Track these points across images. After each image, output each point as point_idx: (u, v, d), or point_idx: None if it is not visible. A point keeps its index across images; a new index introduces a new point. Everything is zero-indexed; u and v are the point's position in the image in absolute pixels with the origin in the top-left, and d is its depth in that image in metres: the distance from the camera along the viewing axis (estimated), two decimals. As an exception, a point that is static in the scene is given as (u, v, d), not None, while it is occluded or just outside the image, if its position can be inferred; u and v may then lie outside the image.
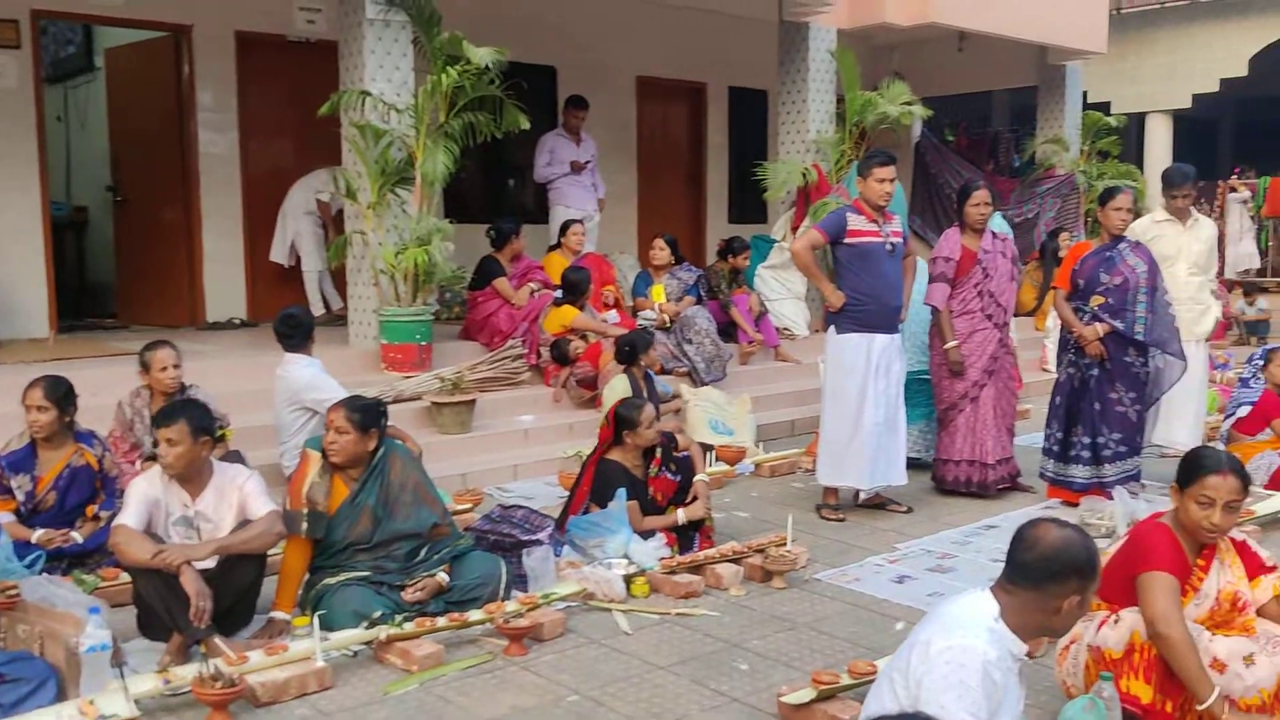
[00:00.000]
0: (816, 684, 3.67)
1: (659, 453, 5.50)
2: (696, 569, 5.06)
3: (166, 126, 9.43)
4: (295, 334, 6.20)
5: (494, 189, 11.52)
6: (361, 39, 7.78)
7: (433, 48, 7.76)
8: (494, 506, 5.48)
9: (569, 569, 4.96)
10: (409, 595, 4.44)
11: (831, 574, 5.26)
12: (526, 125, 7.98)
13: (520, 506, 5.36)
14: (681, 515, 5.37)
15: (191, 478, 4.30)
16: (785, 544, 5.23)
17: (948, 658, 2.61)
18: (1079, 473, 6.50)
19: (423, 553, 4.58)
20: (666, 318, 8.69)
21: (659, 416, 5.79)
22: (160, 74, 9.44)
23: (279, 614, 4.38)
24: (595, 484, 5.42)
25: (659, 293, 8.98)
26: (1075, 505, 6.30)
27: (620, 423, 5.43)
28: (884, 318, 6.15)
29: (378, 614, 4.27)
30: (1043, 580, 2.72)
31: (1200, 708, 3.19)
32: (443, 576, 4.50)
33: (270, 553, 4.52)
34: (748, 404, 8.06)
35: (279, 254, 9.50)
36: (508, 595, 4.60)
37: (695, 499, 5.49)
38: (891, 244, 6.15)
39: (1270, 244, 16.43)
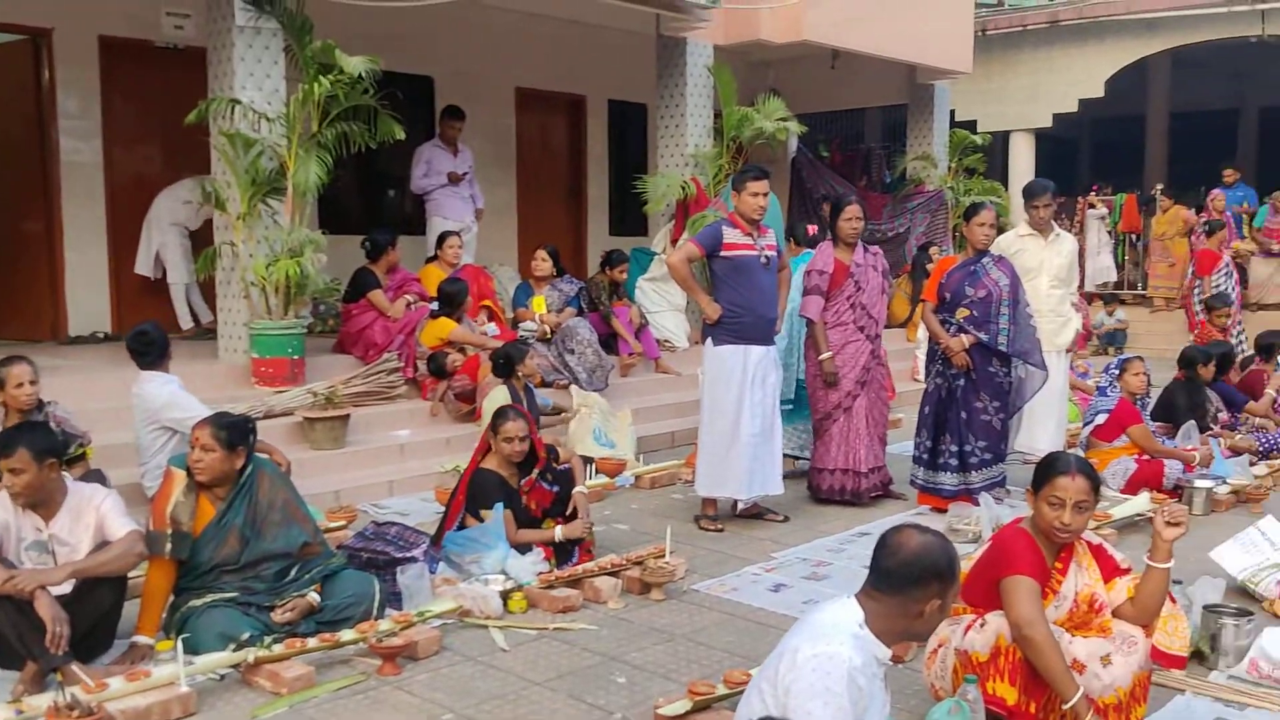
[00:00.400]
0: (693, 695, 3.69)
1: (539, 463, 5.47)
2: (574, 583, 5.04)
3: (26, 134, 9.06)
4: (149, 351, 5.98)
5: (370, 199, 11.35)
6: (231, 46, 7.59)
7: (304, 56, 7.62)
8: (368, 523, 5.38)
9: (445, 586, 4.89)
10: (278, 616, 4.32)
11: (709, 584, 5.30)
12: (402, 135, 7.88)
13: (395, 523, 5.27)
14: (559, 533, 5.34)
15: (44, 501, 4.12)
16: (664, 556, 5.25)
17: (814, 665, 2.65)
18: (947, 480, 6.68)
19: (293, 572, 4.47)
20: (548, 328, 8.66)
21: (539, 427, 5.76)
22: (19, 79, 9.06)
23: (141, 638, 4.22)
24: (469, 493, 5.38)
25: (540, 304, 8.95)
26: (944, 511, 6.46)
27: (492, 422, 5.42)
28: (760, 329, 6.24)
29: (245, 636, 4.15)
30: (905, 585, 2.79)
31: (1065, 707, 3.30)
32: (313, 596, 4.40)
33: (132, 575, 4.36)
34: (629, 417, 8.09)
35: (144, 266, 9.18)
36: (381, 614, 4.52)
37: (575, 513, 5.48)
38: (766, 257, 6.25)
39: (1126, 258, 17.15)
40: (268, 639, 4.17)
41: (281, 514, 4.48)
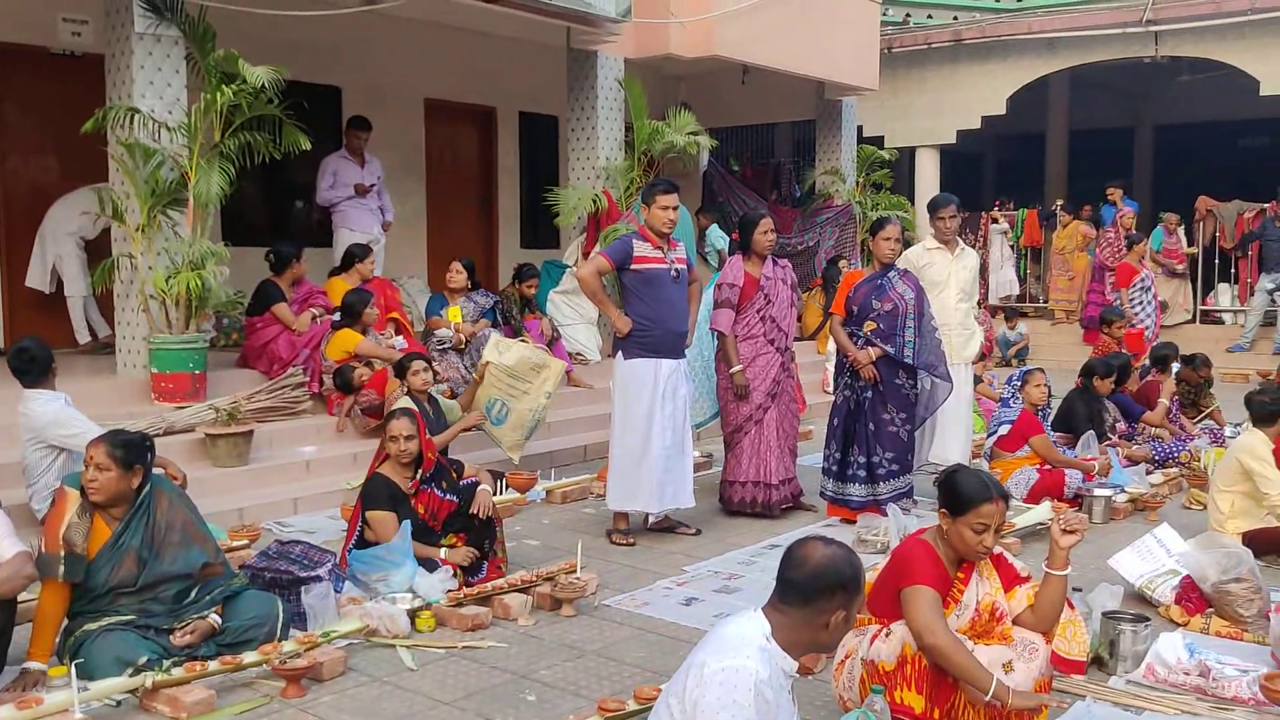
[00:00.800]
0: (603, 712, 3.68)
1: (425, 465, 5.42)
2: (484, 600, 4.99)
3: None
4: (31, 368, 5.77)
5: (276, 211, 11.14)
6: (130, 53, 7.40)
7: (206, 64, 7.45)
8: (271, 542, 5.25)
9: (350, 605, 4.80)
10: (178, 639, 4.21)
11: (621, 599, 5.28)
12: (307, 146, 7.75)
13: (299, 542, 5.16)
14: (443, 553, 5.26)
15: (-74, 523, 3.96)
16: (575, 571, 5.23)
17: (721, 679, 2.66)
18: (856, 491, 6.77)
19: (193, 594, 4.36)
20: (462, 337, 8.57)
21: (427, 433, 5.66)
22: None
23: (33, 664, 4.08)
24: (361, 499, 5.32)
25: (455, 313, 8.84)
26: (853, 522, 6.54)
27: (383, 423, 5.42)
28: (670, 343, 6.25)
29: (143, 660, 4.03)
30: (810, 597, 2.81)
31: (987, 697, 3.32)
32: (214, 618, 4.29)
33: (23, 599, 4.21)
34: (555, 374, 7.74)
35: (37, 279, 8.87)
36: (285, 635, 4.42)
37: (477, 531, 5.43)
38: (676, 270, 6.27)
39: (1028, 272, 17.59)
40: (166, 663, 4.06)
41: (181, 534, 4.36)
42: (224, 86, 7.28)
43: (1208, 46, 15.69)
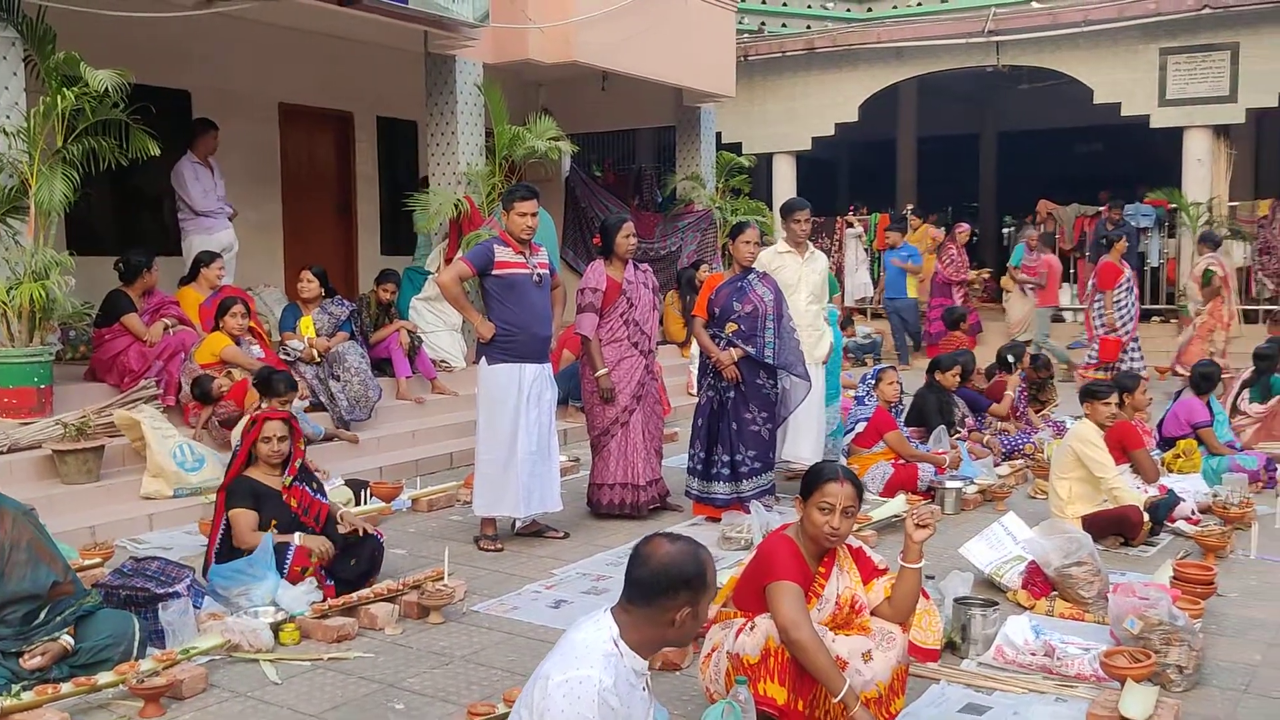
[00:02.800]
0: (472, 716, 3.68)
1: (290, 469, 5.36)
2: (350, 611, 4.93)
3: None
4: None
5: (125, 218, 10.75)
6: (-38, 54, 7.08)
7: (46, 67, 7.17)
8: (126, 560, 5.10)
9: (211, 621, 4.70)
10: (27, 662, 4.06)
11: (489, 604, 5.28)
12: (157, 151, 7.51)
13: (156, 558, 5.03)
14: (297, 538, 5.17)
15: None
16: (442, 578, 5.21)
17: (564, 691, 2.69)
18: (721, 490, 6.89)
19: (42, 614, 4.20)
20: (315, 351, 8.42)
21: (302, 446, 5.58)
22: None
23: None
24: (224, 501, 5.24)
25: (308, 325, 8.69)
26: (718, 520, 6.66)
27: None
28: (534, 348, 6.28)
29: (-11, 686, 3.87)
30: (655, 595, 2.84)
31: (835, 700, 3.45)
32: (66, 639, 4.15)
33: None
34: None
35: None
36: (142, 653, 4.30)
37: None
38: (539, 275, 6.30)
39: (881, 274, 18.13)
40: (16, 687, 3.91)
41: (27, 554, 4.19)
42: (65, 90, 7.02)
43: (1045, 56, 16.44)
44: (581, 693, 2.68)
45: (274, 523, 5.20)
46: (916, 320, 14.93)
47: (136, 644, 4.30)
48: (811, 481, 3.70)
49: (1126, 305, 11.94)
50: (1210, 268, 12.76)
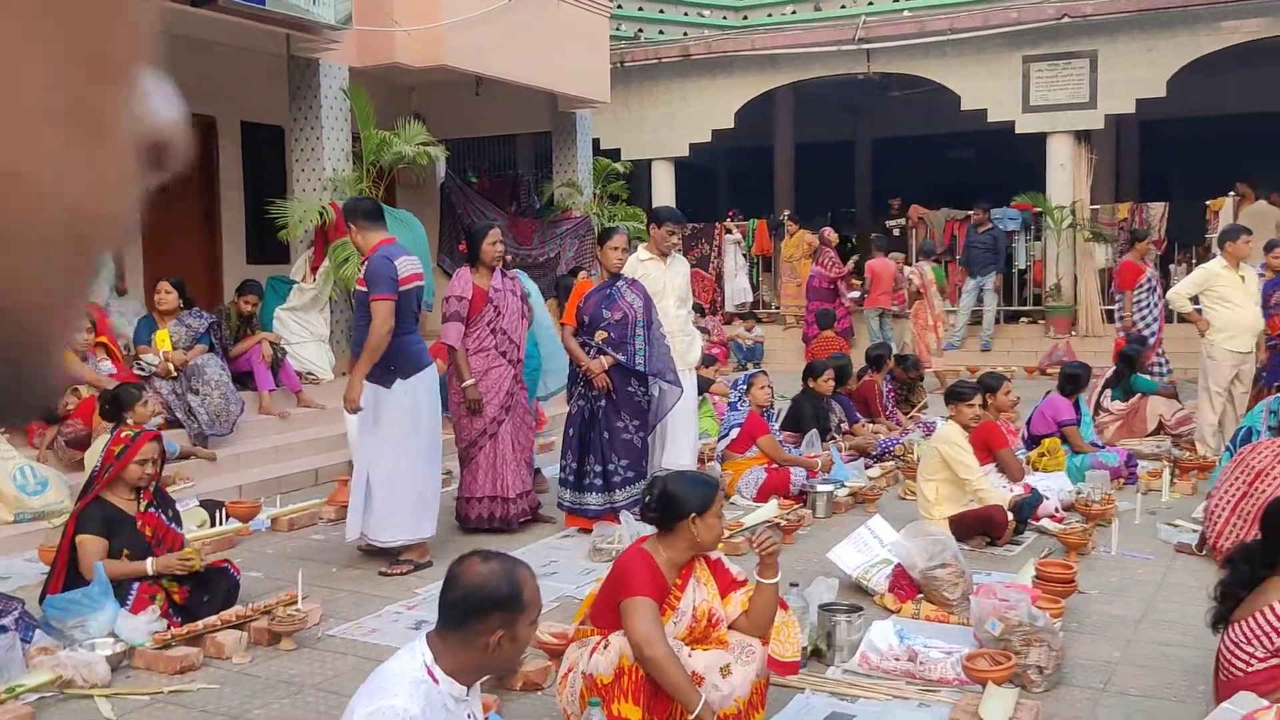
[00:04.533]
0: (316, 749, 3.49)
1: (145, 495, 5.09)
2: (195, 640, 4.67)
3: None
4: None
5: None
6: None
7: None
8: (-51, 593, 4.77)
9: (41, 655, 4.40)
10: None
11: (346, 628, 5.07)
12: None
13: (-17, 590, 4.70)
14: (150, 565, 4.91)
15: None
16: (295, 602, 4.98)
17: None
18: (593, 500, 6.78)
19: None
20: (171, 366, 8.06)
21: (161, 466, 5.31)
22: None
23: None
24: (76, 527, 4.94)
25: (164, 338, 8.31)
26: (590, 532, 6.54)
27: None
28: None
29: None
30: (464, 619, 2.70)
31: (690, 718, 3.36)
32: None
33: None
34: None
35: None
36: (-40, 695, 4.00)
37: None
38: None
39: (760, 279, 18.27)
40: None
41: None
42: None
43: (914, 64, 16.76)
44: None
45: (125, 553, 4.92)
46: None
47: (-46, 685, 4.00)
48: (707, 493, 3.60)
49: (1149, 306, 11.13)
50: (910, 276, 13.62)
